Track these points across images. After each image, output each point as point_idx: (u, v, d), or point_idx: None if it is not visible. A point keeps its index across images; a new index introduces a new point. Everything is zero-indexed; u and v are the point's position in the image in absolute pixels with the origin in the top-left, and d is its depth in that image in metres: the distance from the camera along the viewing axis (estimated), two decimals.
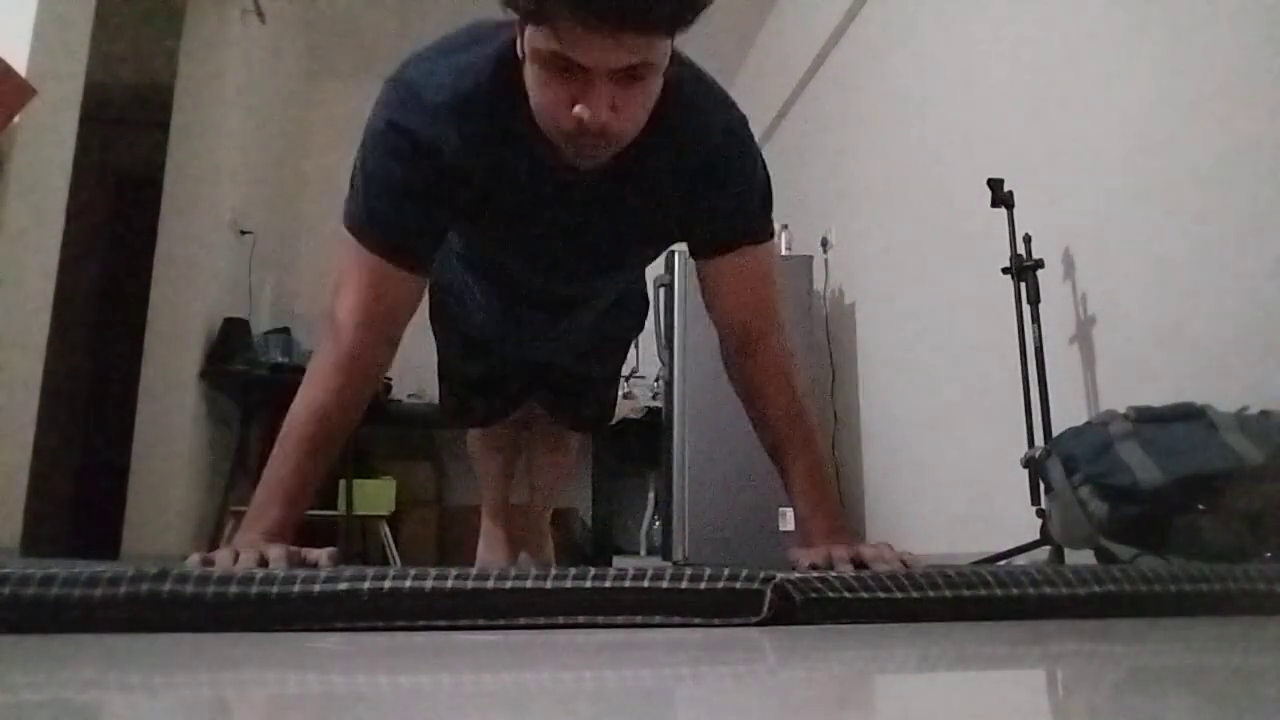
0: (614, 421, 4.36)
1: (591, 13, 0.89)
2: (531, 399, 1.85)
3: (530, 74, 1.01)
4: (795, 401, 1.23)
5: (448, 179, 1.12)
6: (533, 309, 1.50)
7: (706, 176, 1.17)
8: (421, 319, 1.58)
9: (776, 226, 4.38)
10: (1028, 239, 2.34)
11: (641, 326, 1.83)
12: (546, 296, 1.46)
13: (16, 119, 2.33)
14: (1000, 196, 2.39)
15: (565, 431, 2.00)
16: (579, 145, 1.02)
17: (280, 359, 3.97)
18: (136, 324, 3.67)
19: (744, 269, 1.24)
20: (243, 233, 4.09)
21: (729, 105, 1.21)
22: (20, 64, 2.35)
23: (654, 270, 2.77)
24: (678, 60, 1.11)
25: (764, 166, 1.24)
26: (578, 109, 0.97)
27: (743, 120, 1.22)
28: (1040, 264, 2.29)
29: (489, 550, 2.16)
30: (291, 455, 1.09)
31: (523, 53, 1.01)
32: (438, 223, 1.18)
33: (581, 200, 1.18)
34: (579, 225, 1.21)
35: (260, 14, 4.13)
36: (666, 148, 1.13)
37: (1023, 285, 2.31)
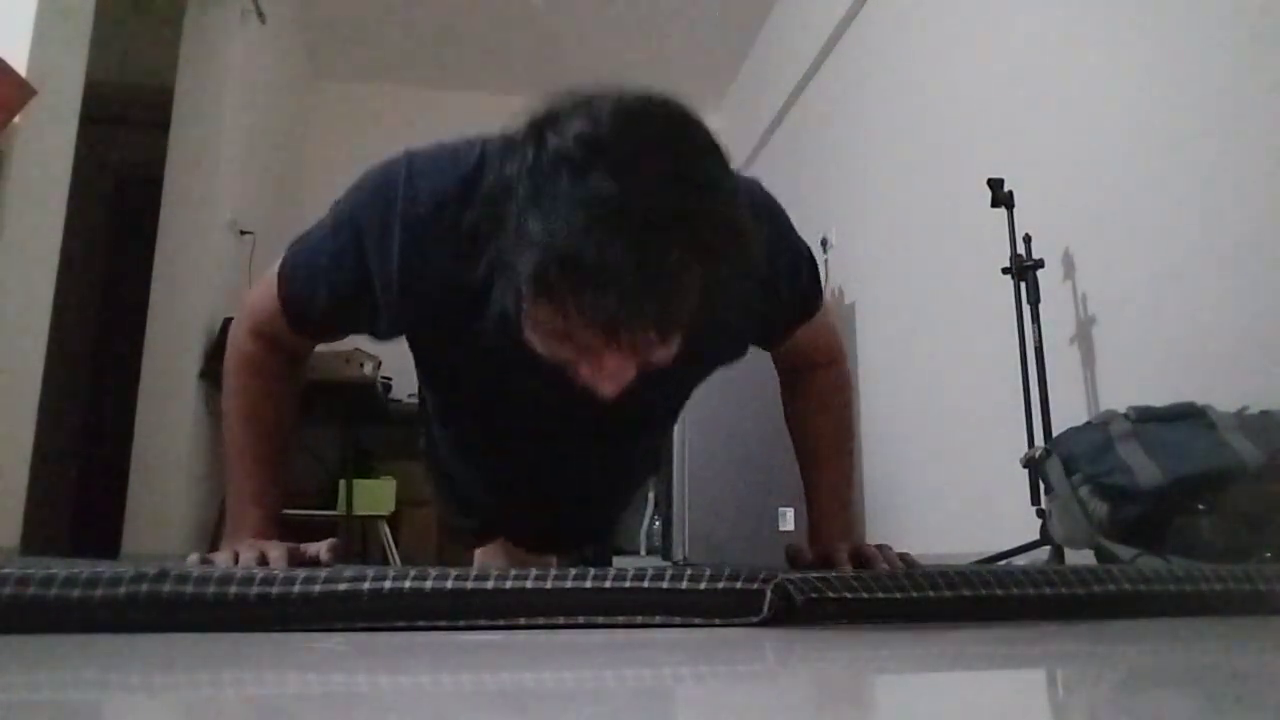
0: None
1: (593, 328, 0.72)
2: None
3: (529, 319, 0.78)
4: (841, 423, 1.21)
5: (394, 302, 0.94)
6: (539, 497, 1.33)
7: (751, 309, 0.98)
8: None
9: None
10: (1028, 239, 2.34)
11: (656, 472, 1.67)
12: (556, 478, 1.27)
13: (16, 119, 2.33)
14: (1000, 196, 2.39)
15: None
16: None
17: None
18: (136, 324, 3.66)
19: (795, 342, 1.16)
20: (243, 233, 4.09)
21: (762, 209, 1.03)
22: (20, 64, 2.35)
23: None
24: None
25: (805, 251, 1.11)
26: (585, 375, 0.79)
27: (774, 218, 1.06)
28: (1040, 264, 2.29)
29: (488, 553, 2.15)
30: (239, 464, 1.11)
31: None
32: (366, 328, 1.02)
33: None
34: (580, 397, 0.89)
35: (260, 14, 4.13)
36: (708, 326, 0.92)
37: (1023, 285, 2.31)
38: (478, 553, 2.17)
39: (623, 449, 1.28)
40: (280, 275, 1.05)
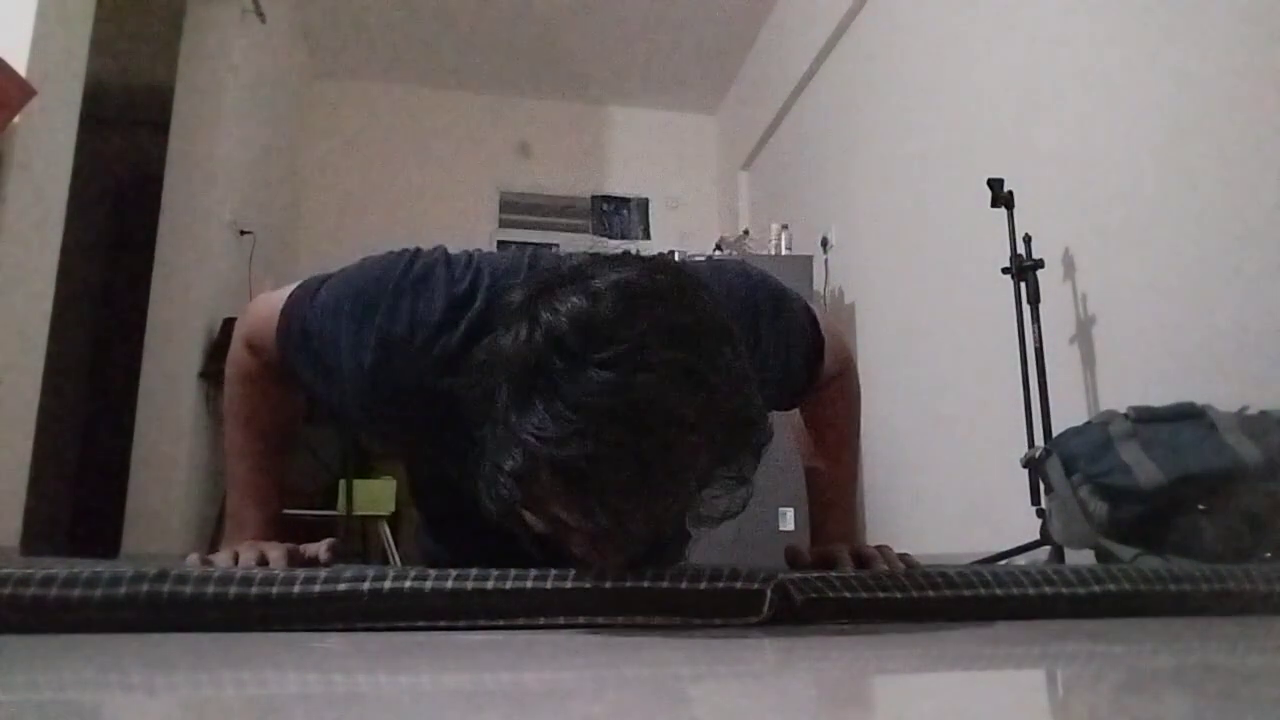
0: None
1: (588, 529, 0.70)
2: None
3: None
4: (850, 418, 1.24)
5: (366, 409, 0.93)
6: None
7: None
8: None
9: (775, 228, 4.34)
10: (1028, 239, 2.34)
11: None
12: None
13: (16, 119, 2.33)
14: (1000, 196, 2.39)
15: None
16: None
17: None
18: (136, 324, 3.67)
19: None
20: (243, 233, 4.09)
21: (749, 312, 0.95)
22: (20, 64, 2.35)
23: None
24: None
25: (796, 326, 1.02)
26: (577, 550, 0.76)
27: (759, 315, 0.96)
28: (1040, 264, 2.29)
29: None
30: (239, 465, 1.11)
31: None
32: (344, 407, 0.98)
33: None
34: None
35: (260, 14, 4.13)
36: None
37: (1023, 285, 2.31)
38: None
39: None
40: (282, 324, 0.99)
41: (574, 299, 0.67)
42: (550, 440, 0.64)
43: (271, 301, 1.03)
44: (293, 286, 1.02)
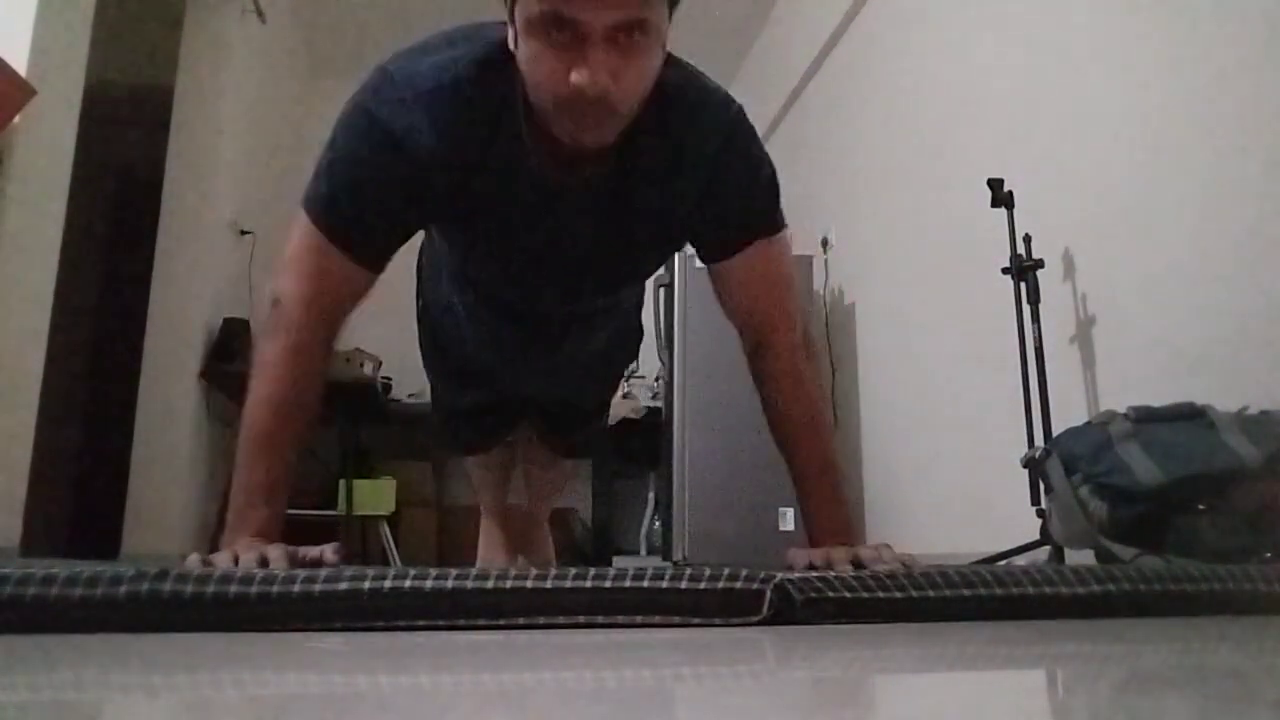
0: (614, 422, 4.37)
1: None
2: (522, 427, 1.86)
3: (525, 51, 0.97)
4: (807, 398, 1.21)
5: (420, 175, 1.07)
6: (526, 340, 1.45)
7: (710, 177, 1.13)
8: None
9: None
10: (1028, 239, 2.34)
11: (635, 357, 1.82)
12: (542, 323, 1.41)
13: (16, 119, 2.33)
14: (1000, 196, 2.39)
15: (557, 465, 2.00)
16: (578, 118, 0.97)
17: None
18: (136, 324, 3.67)
19: (755, 267, 1.20)
20: (243, 233, 4.09)
21: (727, 102, 1.16)
22: (20, 64, 2.35)
23: None
24: (673, 62, 1.10)
25: (769, 161, 1.20)
26: (575, 76, 0.92)
27: (742, 115, 1.17)
28: (1040, 264, 2.29)
29: (489, 550, 2.16)
30: (259, 454, 1.06)
31: (515, 39, 0.99)
32: (402, 220, 1.13)
33: (579, 206, 1.13)
34: (577, 235, 1.15)
35: (260, 14, 4.13)
36: (666, 149, 1.10)
37: (1023, 285, 2.31)
38: (479, 552, 2.17)
39: (595, 302, 1.40)
40: (317, 216, 1.09)
41: None
42: None
43: (291, 240, 1.12)
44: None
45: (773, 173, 1.21)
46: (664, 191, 1.13)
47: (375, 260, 1.13)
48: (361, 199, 1.08)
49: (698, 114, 1.12)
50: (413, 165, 1.06)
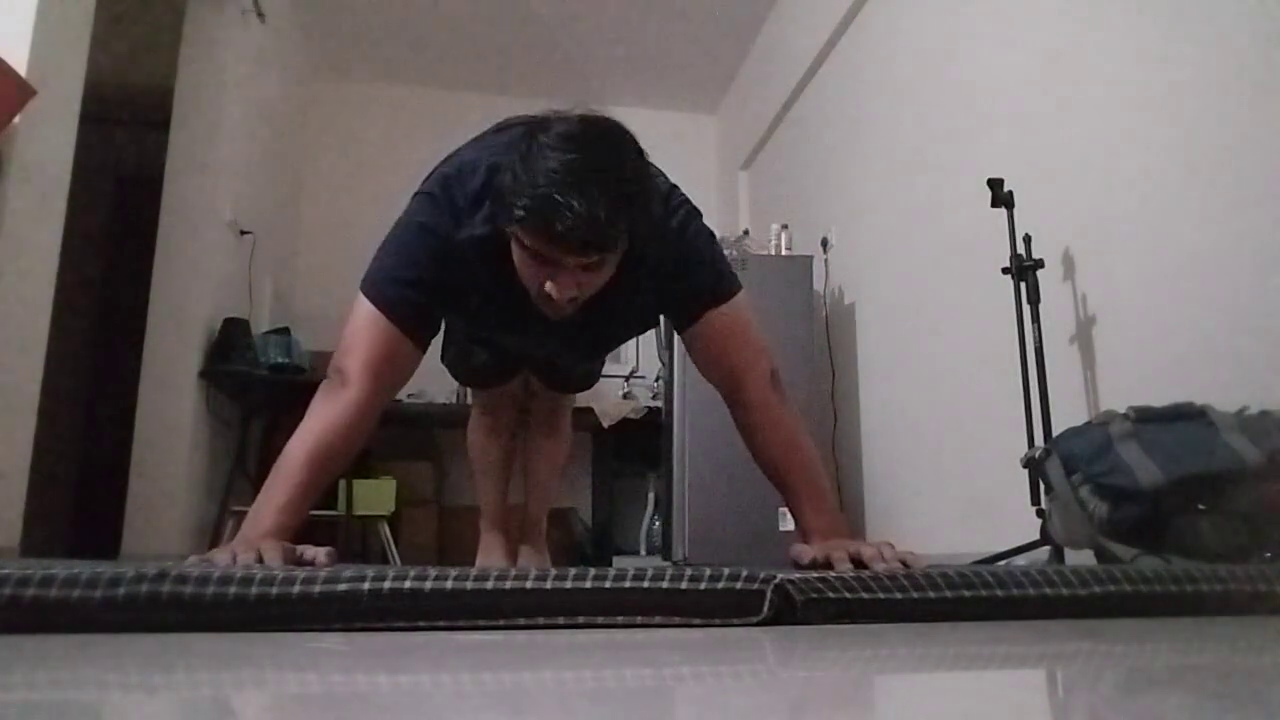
0: (614, 421, 4.36)
1: (558, 243, 1.13)
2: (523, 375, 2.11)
3: (515, 250, 1.22)
4: (785, 430, 1.37)
5: (452, 287, 1.34)
6: (527, 357, 1.87)
7: (668, 273, 1.36)
8: None
9: (775, 228, 4.36)
10: (1028, 239, 2.34)
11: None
12: (540, 362, 1.87)
13: (16, 119, 2.33)
14: (1000, 196, 2.39)
15: (558, 415, 2.22)
16: (550, 308, 1.25)
17: (280, 359, 3.97)
18: (136, 324, 3.67)
19: (714, 331, 1.39)
20: (243, 233, 4.09)
21: (672, 200, 1.38)
22: (20, 64, 2.35)
23: None
24: None
25: (711, 238, 1.42)
26: (549, 287, 1.19)
27: (686, 207, 1.39)
28: (1040, 264, 2.29)
29: (488, 556, 2.18)
30: (295, 474, 1.18)
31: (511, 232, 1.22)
32: (438, 312, 1.40)
33: (565, 323, 1.35)
34: (561, 334, 1.41)
35: (260, 14, 4.13)
36: (633, 268, 1.29)
37: (1023, 285, 2.31)
38: (478, 560, 2.18)
39: (590, 358, 1.88)
40: (381, 302, 1.30)
41: (558, 125, 1.18)
42: (541, 182, 1.12)
43: (350, 325, 1.31)
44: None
45: (713, 257, 1.42)
46: (631, 299, 1.38)
47: (423, 342, 1.35)
48: (416, 296, 1.32)
49: (654, 224, 1.31)
50: (450, 280, 1.33)
